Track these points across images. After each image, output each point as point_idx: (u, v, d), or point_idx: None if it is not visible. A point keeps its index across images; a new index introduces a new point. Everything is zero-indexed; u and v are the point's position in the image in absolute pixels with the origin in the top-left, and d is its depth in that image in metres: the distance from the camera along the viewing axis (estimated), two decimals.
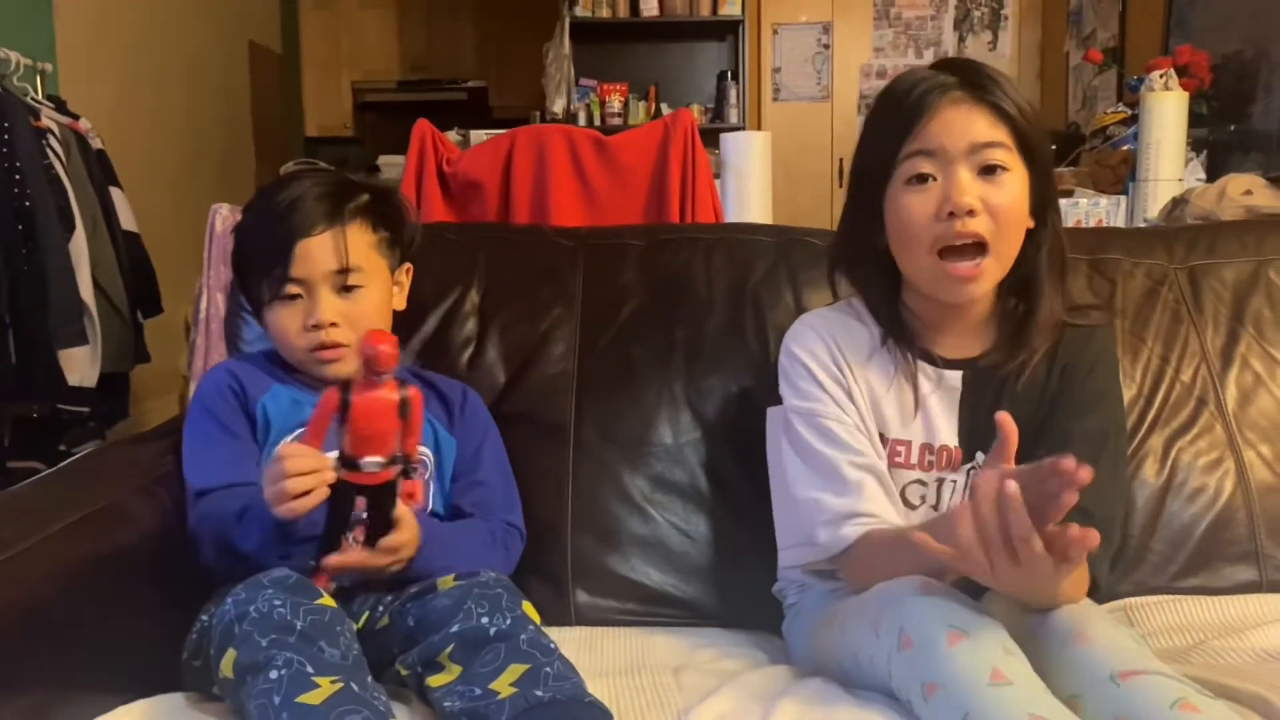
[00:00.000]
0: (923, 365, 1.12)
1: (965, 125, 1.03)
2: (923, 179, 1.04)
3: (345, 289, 1.16)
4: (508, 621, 0.96)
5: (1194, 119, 2.83)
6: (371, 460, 0.96)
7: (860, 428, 1.10)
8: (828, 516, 1.06)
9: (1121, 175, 2.92)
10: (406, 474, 0.99)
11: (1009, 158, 1.04)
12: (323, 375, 1.17)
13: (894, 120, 1.06)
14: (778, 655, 1.17)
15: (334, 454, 0.97)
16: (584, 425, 1.34)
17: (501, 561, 1.17)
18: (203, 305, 1.99)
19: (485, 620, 0.96)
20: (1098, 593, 1.03)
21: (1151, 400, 1.36)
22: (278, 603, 0.91)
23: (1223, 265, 1.46)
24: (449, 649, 0.95)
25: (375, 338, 0.95)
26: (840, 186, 5.42)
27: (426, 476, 1.19)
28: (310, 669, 0.86)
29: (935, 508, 1.10)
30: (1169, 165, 2.66)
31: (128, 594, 1.04)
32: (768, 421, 1.19)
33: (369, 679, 0.90)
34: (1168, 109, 2.66)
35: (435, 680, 0.95)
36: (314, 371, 1.18)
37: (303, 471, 0.94)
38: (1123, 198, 2.77)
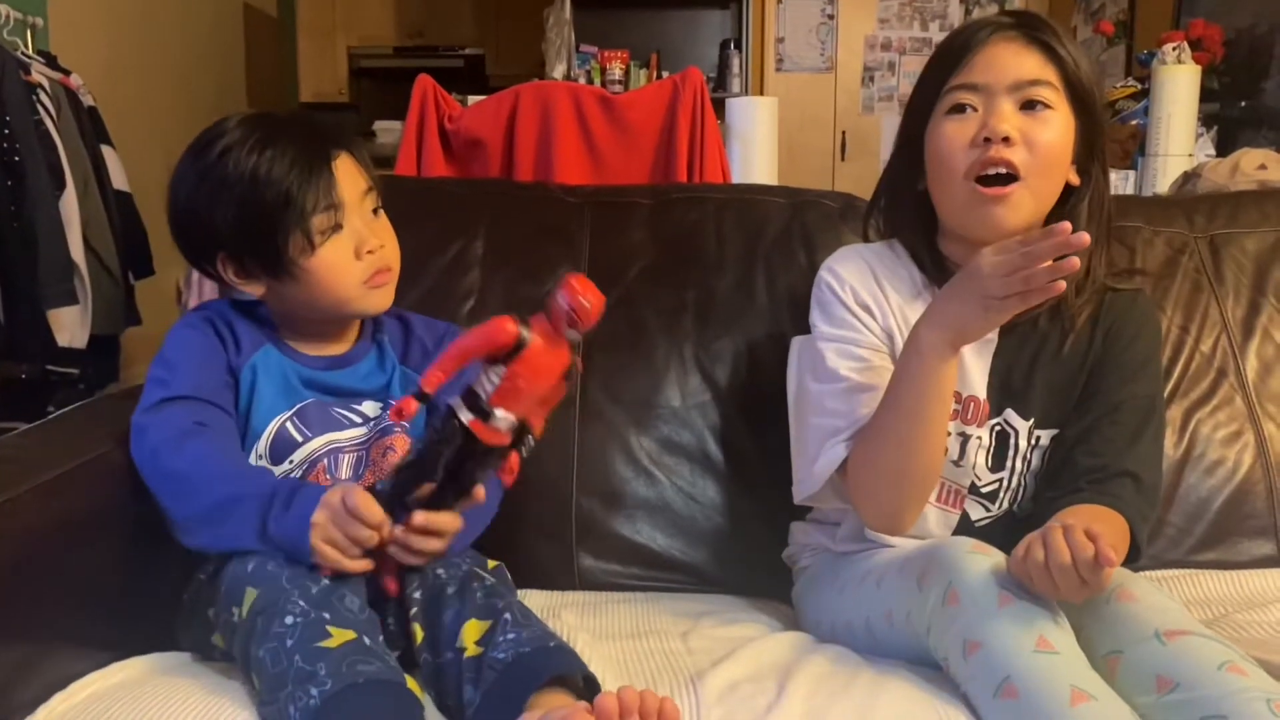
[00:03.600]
0: None
1: (1013, 61, 1.02)
2: (962, 109, 1.03)
3: (374, 210, 1.07)
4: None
5: (1205, 94, 2.79)
6: (506, 416, 0.84)
7: (893, 363, 1.07)
8: (842, 433, 1.02)
9: (1130, 150, 2.88)
10: (516, 447, 0.88)
11: (1054, 97, 1.03)
12: (365, 311, 1.07)
13: (943, 58, 1.06)
14: (786, 622, 1.15)
15: (456, 397, 0.85)
16: (590, 385, 1.30)
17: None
18: None
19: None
20: (1140, 559, 1.01)
21: (1170, 371, 1.33)
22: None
23: (1244, 235, 1.43)
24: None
25: (582, 287, 0.83)
26: (843, 160, 5.36)
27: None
28: (328, 616, 0.83)
29: (958, 463, 1.08)
30: (1180, 140, 2.61)
31: (119, 548, 1.01)
32: (791, 351, 1.16)
33: (380, 637, 0.87)
34: (1180, 83, 2.62)
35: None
36: (358, 309, 1.06)
37: (370, 526, 0.88)
38: (1131, 172, 2.73)
